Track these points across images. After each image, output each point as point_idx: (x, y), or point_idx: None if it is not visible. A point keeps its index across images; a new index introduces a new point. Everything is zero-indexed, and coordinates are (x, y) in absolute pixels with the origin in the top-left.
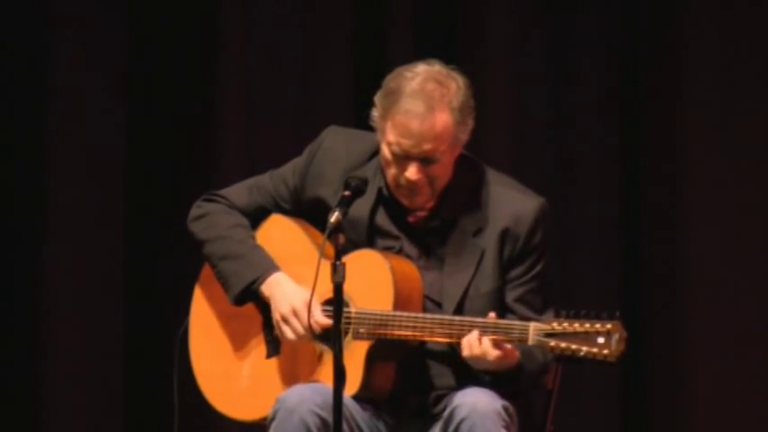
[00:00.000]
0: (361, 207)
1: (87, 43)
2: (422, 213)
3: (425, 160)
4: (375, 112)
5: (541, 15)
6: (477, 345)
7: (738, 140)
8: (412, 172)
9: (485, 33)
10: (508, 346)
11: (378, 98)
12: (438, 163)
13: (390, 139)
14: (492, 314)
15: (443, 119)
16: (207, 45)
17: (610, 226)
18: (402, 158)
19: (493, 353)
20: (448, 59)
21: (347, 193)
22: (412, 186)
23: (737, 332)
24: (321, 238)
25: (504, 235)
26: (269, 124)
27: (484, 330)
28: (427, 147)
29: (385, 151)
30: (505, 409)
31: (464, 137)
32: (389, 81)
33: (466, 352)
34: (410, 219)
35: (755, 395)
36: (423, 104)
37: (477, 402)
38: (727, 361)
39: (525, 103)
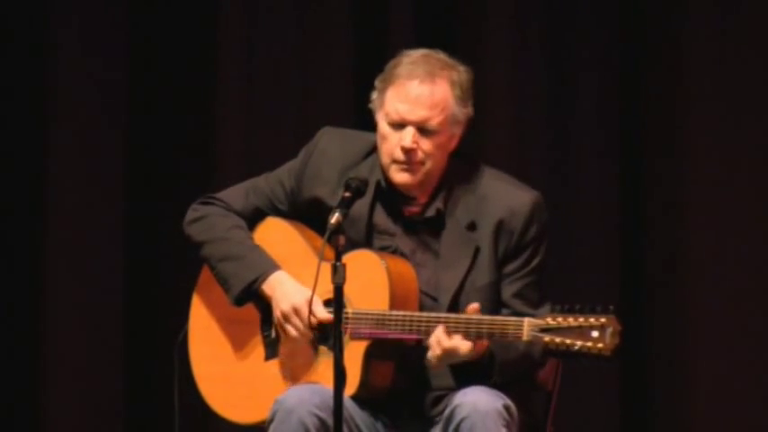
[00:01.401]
0: (360, 204)
1: (87, 43)
2: (415, 209)
3: (422, 129)
4: (374, 94)
5: (541, 15)
6: (446, 339)
7: (738, 140)
8: (407, 138)
9: (485, 32)
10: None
11: (377, 79)
12: (433, 136)
13: (388, 108)
14: (475, 306)
15: (442, 87)
16: (207, 45)
17: (610, 226)
18: (398, 126)
19: (464, 345)
20: None
21: (347, 194)
22: (407, 158)
23: (738, 332)
24: (318, 239)
25: (499, 228)
26: (269, 124)
27: (478, 328)
28: (423, 113)
29: (382, 125)
30: (506, 409)
31: (462, 118)
32: (391, 61)
33: (437, 349)
34: (406, 212)
35: (756, 395)
36: (423, 70)
37: (477, 402)
38: (728, 361)
39: (525, 103)
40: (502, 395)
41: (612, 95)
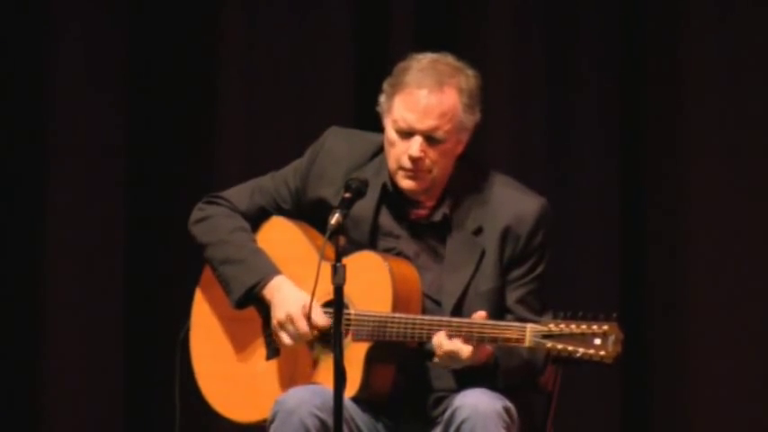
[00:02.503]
0: (366, 205)
1: (87, 43)
2: (421, 212)
3: (429, 138)
4: (382, 97)
5: (541, 15)
6: (447, 342)
7: (739, 140)
8: (415, 147)
9: (485, 33)
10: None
11: (386, 82)
12: (440, 145)
13: (396, 115)
14: (482, 313)
15: (451, 96)
16: (207, 45)
17: (610, 226)
18: (406, 134)
19: (465, 349)
20: None
21: (347, 194)
22: (414, 166)
23: (738, 332)
24: (321, 239)
25: (506, 234)
26: (269, 124)
27: (481, 332)
28: (432, 123)
29: (390, 132)
30: (507, 410)
31: (470, 125)
32: (399, 64)
33: (439, 351)
34: (412, 216)
35: (756, 396)
36: (431, 79)
37: (478, 404)
38: (728, 361)
39: (525, 103)
40: (502, 397)
41: (612, 95)
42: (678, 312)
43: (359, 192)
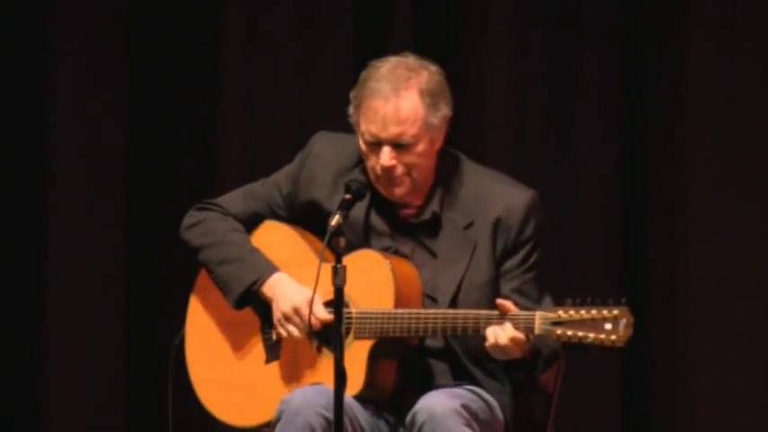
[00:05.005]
0: (356, 208)
1: (87, 44)
2: (410, 211)
3: (397, 145)
4: (351, 108)
5: (541, 15)
6: (502, 333)
7: (739, 140)
8: (384, 157)
9: (485, 33)
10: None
11: (351, 93)
12: (411, 149)
13: (363, 128)
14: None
15: (410, 101)
16: (207, 45)
17: (610, 225)
18: (375, 145)
19: (520, 337)
20: (448, 59)
21: (348, 196)
22: (388, 175)
23: (738, 331)
24: (316, 241)
25: (497, 226)
26: (269, 125)
27: (488, 322)
28: (395, 130)
29: (361, 143)
30: (465, 407)
31: (438, 122)
32: (362, 74)
33: (491, 340)
34: (402, 215)
35: (756, 394)
36: (388, 86)
37: (434, 405)
38: (728, 360)
39: (525, 103)
40: (461, 395)
41: (612, 95)
42: (679, 311)
43: (359, 193)
